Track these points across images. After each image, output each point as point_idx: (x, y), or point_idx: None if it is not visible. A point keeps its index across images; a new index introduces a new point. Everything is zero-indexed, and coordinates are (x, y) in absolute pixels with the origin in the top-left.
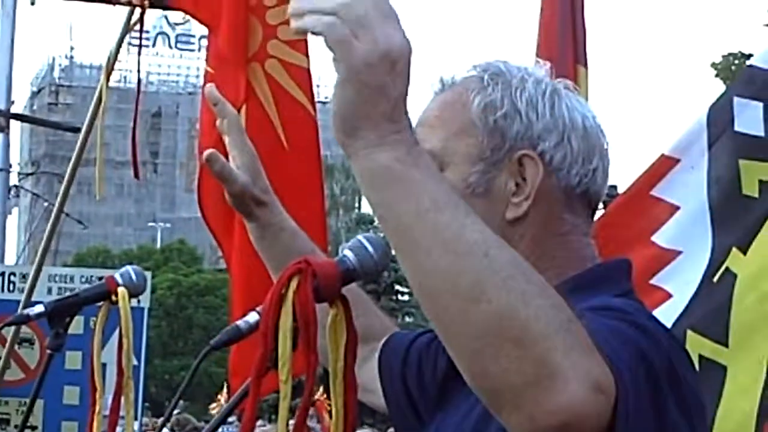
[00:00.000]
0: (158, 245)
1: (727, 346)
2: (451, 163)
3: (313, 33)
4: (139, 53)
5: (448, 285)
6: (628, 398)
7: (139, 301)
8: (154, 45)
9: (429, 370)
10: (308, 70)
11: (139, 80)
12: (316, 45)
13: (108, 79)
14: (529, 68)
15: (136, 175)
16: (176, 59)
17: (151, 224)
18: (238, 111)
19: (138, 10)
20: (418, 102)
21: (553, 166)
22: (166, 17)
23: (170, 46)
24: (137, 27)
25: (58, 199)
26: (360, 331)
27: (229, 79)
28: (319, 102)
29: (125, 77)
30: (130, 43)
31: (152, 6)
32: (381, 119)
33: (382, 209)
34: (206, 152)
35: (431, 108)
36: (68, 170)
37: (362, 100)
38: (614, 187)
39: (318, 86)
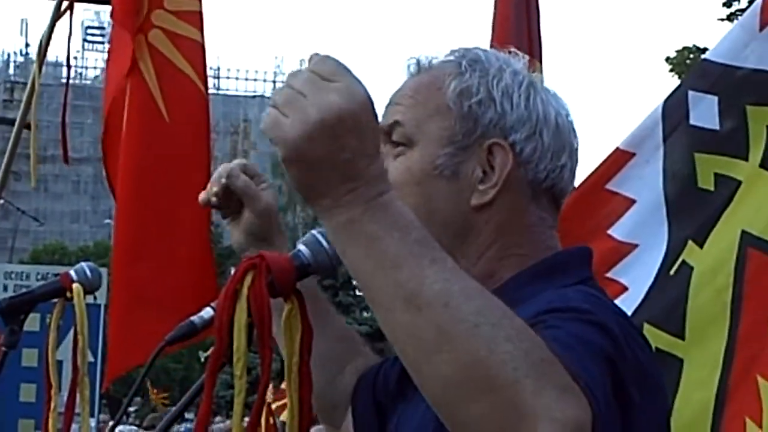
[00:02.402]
0: None
1: (683, 338)
2: (420, 142)
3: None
4: (69, 44)
5: (412, 340)
6: (601, 418)
7: (95, 298)
8: (109, 41)
9: (394, 372)
10: (201, 44)
11: (69, 70)
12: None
13: (40, 69)
14: (508, 59)
15: (66, 161)
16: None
17: (107, 221)
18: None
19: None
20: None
21: (523, 158)
22: None
23: None
24: (96, 23)
25: None
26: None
27: (121, 51)
28: None
29: (81, 74)
30: (85, 40)
31: None
32: (331, 185)
33: (348, 268)
34: (227, 167)
35: (405, 88)
36: (4, 161)
37: (306, 174)
38: None
39: (275, 81)
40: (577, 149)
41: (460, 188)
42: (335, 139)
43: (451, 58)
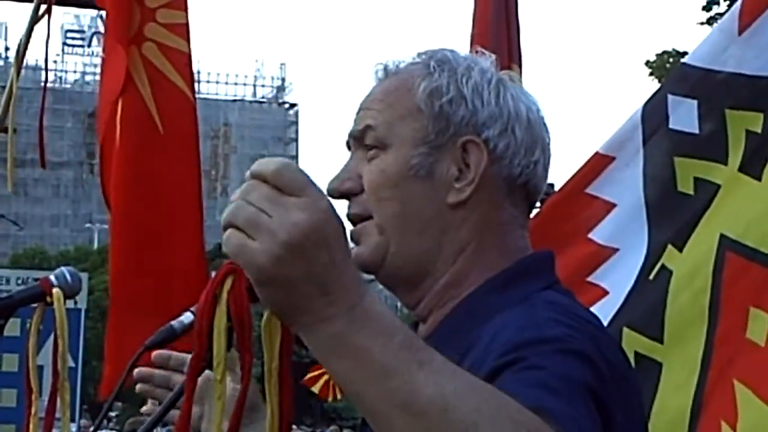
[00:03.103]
0: (95, 246)
1: (662, 342)
2: (393, 145)
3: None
4: (47, 48)
5: None
6: None
7: (75, 303)
8: (89, 45)
9: None
10: (189, 56)
11: (47, 74)
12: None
13: (18, 73)
14: (475, 57)
15: (43, 165)
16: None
17: (88, 225)
18: (120, 96)
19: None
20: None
21: (497, 154)
22: (101, 17)
23: None
24: (76, 27)
25: None
26: None
27: (115, 62)
28: (256, 101)
29: (60, 78)
30: (65, 43)
31: (61, 2)
32: (309, 301)
33: (336, 379)
34: None
35: (375, 93)
36: None
37: (281, 295)
38: (551, 185)
39: (256, 85)
40: (549, 144)
41: (436, 187)
42: (304, 256)
43: (419, 60)
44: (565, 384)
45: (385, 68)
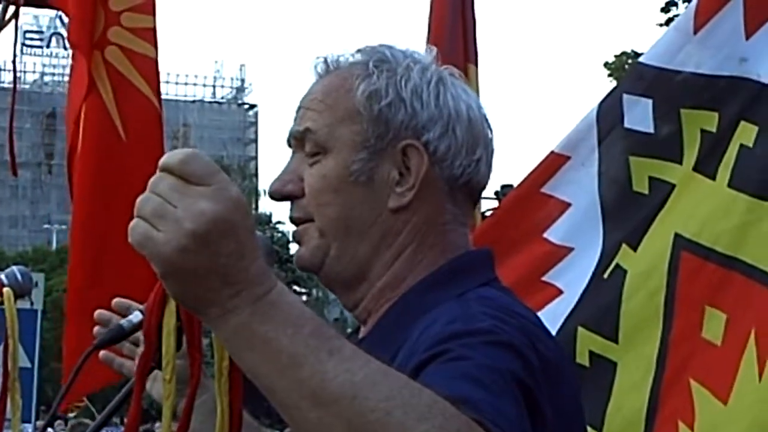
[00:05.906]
0: (54, 247)
1: (617, 342)
2: (334, 149)
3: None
4: (14, 51)
5: None
6: None
7: (32, 303)
8: (48, 45)
9: None
10: (155, 61)
11: (15, 77)
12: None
13: None
14: (415, 54)
15: (15, 173)
16: (71, 60)
17: (46, 226)
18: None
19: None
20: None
21: (438, 156)
22: (60, 17)
23: (65, 47)
24: (35, 27)
25: None
26: None
27: (79, 67)
28: (215, 102)
29: (19, 78)
30: (24, 44)
31: (27, 3)
32: (214, 293)
33: (246, 371)
34: None
35: (315, 92)
36: None
37: (186, 287)
38: (510, 186)
39: (215, 86)
40: (492, 140)
41: (377, 192)
42: (210, 246)
43: (359, 57)
44: (488, 374)
45: (325, 62)
